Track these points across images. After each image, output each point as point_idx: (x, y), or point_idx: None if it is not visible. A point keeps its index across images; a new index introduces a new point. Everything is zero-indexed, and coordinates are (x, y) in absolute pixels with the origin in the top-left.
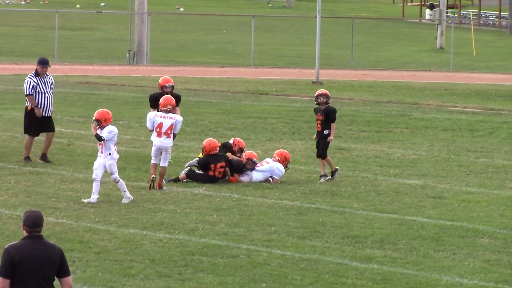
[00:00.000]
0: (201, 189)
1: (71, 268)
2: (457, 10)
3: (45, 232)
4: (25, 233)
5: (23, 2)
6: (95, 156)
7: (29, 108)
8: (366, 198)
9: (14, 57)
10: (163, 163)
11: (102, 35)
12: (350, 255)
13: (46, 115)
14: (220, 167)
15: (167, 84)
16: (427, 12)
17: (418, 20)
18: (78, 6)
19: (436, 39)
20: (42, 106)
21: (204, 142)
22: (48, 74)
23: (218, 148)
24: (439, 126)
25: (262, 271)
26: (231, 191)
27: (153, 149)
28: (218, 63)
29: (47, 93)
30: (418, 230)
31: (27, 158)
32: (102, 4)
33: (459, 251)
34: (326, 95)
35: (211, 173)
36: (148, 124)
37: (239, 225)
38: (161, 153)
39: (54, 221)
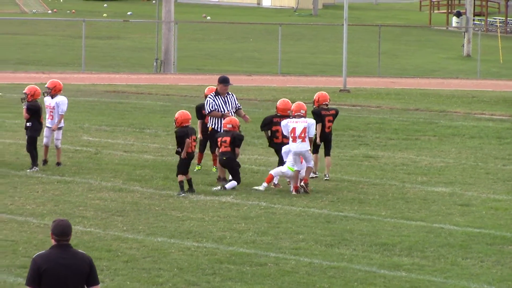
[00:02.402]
0: (229, 197)
1: (99, 277)
2: (483, 18)
3: (73, 241)
4: (53, 242)
5: (50, 12)
6: (123, 165)
7: (210, 129)
8: (394, 206)
9: (41, 66)
10: (309, 163)
11: (129, 43)
12: (378, 262)
13: None
14: (194, 140)
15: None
16: (454, 19)
17: (445, 28)
18: (105, 15)
19: (463, 46)
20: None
21: (176, 115)
22: (229, 93)
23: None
24: (467, 134)
25: (290, 279)
26: (259, 199)
27: (290, 156)
28: (245, 72)
29: (231, 112)
30: (446, 237)
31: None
32: (129, 13)
33: (487, 258)
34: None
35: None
36: (285, 132)
37: (267, 233)
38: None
39: (82, 230)
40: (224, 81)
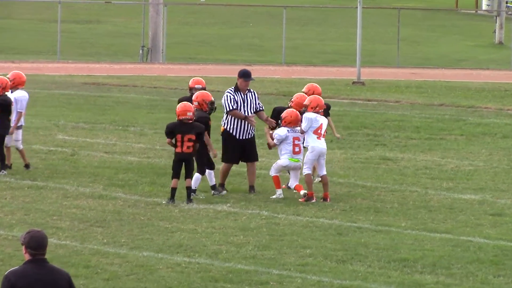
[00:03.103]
0: (225, 206)
1: None
2: None
3: (46, 255)
4: (27, 257)
5: None
6: (103, 168)
7: (222, 129)
8: (415, 216)
9: (11, 55)
10: (323, 171)
11: (112, 28)
12: (397, 281)
13: (246, 137)
14: (188, 140)
15: (196, 86)
16: (484, 2)
17: (474, 11)
18: None
19: (495, 32)
20: (241, 129)
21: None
22: (250, 89)
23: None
24: (499, 133)
25: None
26: (260, 208)
27: (310, 155)
28: (244, 61)
29: (249, 112)
30: (475, 252)
31: (222, 186)
32: None
33: None
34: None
35: (178, 149)
36: (305, 126)
37: (269, 247)
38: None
39: (56, 242)
40: (245, 75)
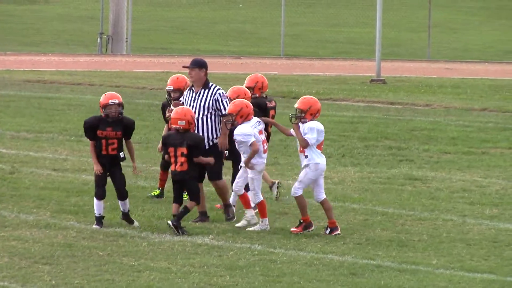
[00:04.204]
0: (207, 238)
1: None
2: None
3: None
4: None
5: None
6: (51, 190)
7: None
8: (450, 251)
9: None
10: (323, 193)
11: (61, 10)
12: None
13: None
14: (181, 154)
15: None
16: None
17: None
18: None
19: None
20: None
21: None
22: (208, 85)
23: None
24: None
25: None
26: (252, 240)
27: (311, 174)
28: (232, 52)
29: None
30: None
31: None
32: None
33: None
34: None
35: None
36: (313, 138)
37: None
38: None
39: None
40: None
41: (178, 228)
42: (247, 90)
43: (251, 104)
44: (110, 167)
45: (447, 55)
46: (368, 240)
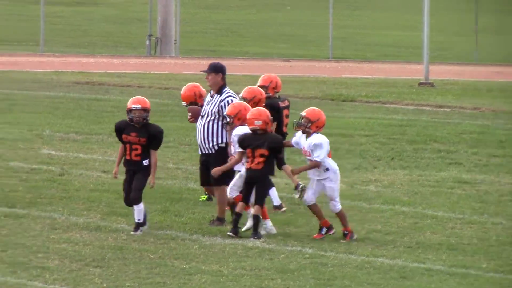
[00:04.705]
0: (258, 242)
1: None
2: None
3: None
4: None
5: None
6: (100, 191)
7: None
8: (500, 255)
9: None
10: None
11: (109, 12)
12: None
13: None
14: (260, 155)
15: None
16: None
17: None
18: None
19: None
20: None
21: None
22: (223, 90)
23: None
24: None
25: None
26: (303, 243)
27: (336, 184)
28: (280, 55)
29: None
30: None
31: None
32: None
33: None
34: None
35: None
36: (323, 157)
37: None
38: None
39: (42, 286)
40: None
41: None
42: (261, 90)
43: (249, 107)
44: (133, 173)
45: (496, 58)
46: (418, 243)
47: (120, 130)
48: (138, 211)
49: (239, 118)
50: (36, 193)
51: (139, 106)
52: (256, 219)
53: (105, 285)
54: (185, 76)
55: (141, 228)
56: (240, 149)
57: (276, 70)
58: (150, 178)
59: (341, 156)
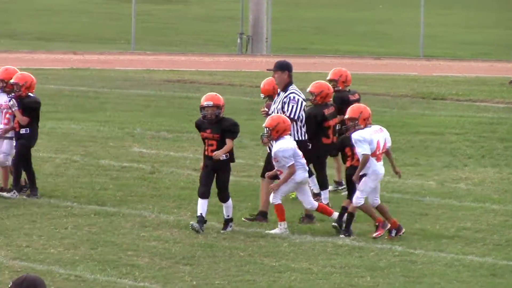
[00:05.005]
0: (348, 239)
1: None
2: None
3: None
4: None
5: None
6: (191, 189)
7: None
8: None
9: (71, 43)
10: (378, 198)
11: (200, 10)
12: None
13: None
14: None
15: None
16: None
17: None
18: None
19: None
20: None
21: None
22: (288, 89)
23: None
24: None
25: None
26: (392, 241)
27: (372, 183)
28: (371, 53)
29: None
30: None
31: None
32: None
33: None
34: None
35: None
36: (366, 149)
37: None
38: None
39: (132, 284)
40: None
41: (341, 228)
42: (329, 85)
43: (289, 121)
44: (213, 167)
45: None
46: (508, 241)
47: (198, 127)
48: (227, 207)
49: (277, 130)
50: (127, 191)
51: (211, 103)
52: (350, 216)
53: (194, 282)
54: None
55: (230, 224)
56: (290, 162)
57: (367, 68)
58: (219, 152)
59: (431, 154)
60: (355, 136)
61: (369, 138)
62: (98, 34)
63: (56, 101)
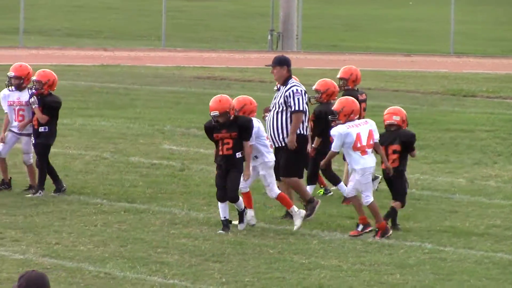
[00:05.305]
0: (377, 236)
1: None
2: None
3: None
4: None
5: None
6: None
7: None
8: None
9: (101, 40)
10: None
11: (230, 7)
12: None
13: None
14: (393, 151)
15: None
16: None
17: None
18: None
19: None
20: None
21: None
22: (288, 83)
23: None
24: None
25: None
26: (422, 238)
27: (361, 178)
28: (402, 50)
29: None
30: None
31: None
32: None
33: None
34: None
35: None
36: (336, 146)
37: None
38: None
39: (161, 282)
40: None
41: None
42: (335, 83)
43: (255, 102)
44: (226, 167)
45: None
46: None
47: (209, 131)
48: (238, 204)
49: (244, 111)
50: (156, 188)
51: (217, 113)
52: (394, 212)
53: (224, 280)
54: (306, 71)
55: (246, 212)
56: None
57: (397, 65)
58: (244, 171)
59: (461, 151)
60: (332, 131)
61: (344, 132)
62: (128, 30)
63: (87, 97)
